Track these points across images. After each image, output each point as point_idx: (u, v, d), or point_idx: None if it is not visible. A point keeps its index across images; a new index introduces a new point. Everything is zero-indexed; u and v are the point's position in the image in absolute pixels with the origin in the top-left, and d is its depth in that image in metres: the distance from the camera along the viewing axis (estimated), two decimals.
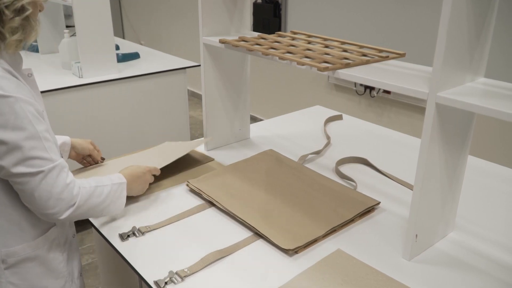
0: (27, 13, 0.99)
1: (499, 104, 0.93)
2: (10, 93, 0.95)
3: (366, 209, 1.33)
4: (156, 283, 1.05)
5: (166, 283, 1.05)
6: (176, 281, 1.05)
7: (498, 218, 1.35)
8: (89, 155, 1.52)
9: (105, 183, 1.18)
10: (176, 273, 1.08)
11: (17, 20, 0.98)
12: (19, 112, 0.95)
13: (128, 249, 1.17)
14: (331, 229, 1.23)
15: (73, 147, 1.45)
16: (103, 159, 1.57)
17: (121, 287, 1.53)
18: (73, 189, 1.06)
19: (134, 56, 3.10)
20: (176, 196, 1.42)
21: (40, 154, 0.99)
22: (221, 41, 1.50)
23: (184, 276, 1.07)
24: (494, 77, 1.14)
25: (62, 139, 1.43)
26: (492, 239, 1.25)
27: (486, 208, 1.41)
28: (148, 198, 1.40)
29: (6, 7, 0.96)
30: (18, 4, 0.97)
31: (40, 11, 1.06)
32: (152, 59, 3.11)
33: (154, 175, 1.40)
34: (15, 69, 1.04)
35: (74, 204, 1.06)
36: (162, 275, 1.07)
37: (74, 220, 1.12)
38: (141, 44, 5.49)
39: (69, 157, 1.47)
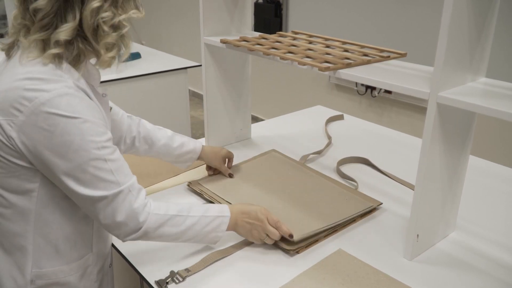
0: (125, 29, 0.96)
1: (500, 104, 0.93)
2: (78, 114, 0.90)
3: (368, 208, 1.33)
4: (157, 283, 1.05)
5: (167, 283, 1.05)
6: (177, 281, 1.05)
7: (498, 218, 1.35)
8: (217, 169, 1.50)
9: (192, 213, 1.08)
10: (178, 273, 1.08)
11: (114, 36, 0.94)
12: (85, 133, 0.91)
13: (129, 249, 1.17)
14: (332, 225, 1.23)
15: (201, 157, 1.45)
16: (231, 175, 1.50)
17: (122, 287, 1.53)
18: (140, 215, 0.98)
19: (135, 56, 3.10)
20: (177, 197, 1.42)
21: (105, 177, 0.93)
22: (222, 41, 1.50)
23: (185, 276, 1.07)
24: (495, 77, 1.14)
25: (192, 145, 1.41)
26: (492, 239, 1.25)
27: (487, 208, 1.40)
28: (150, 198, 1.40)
29: (104, 22, 0.92)
30: (116, 20, 0.93)
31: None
32: (153, 59, 3.12)
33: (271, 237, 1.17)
34: (91, 87, 1.00)
35: (139, 229, 0.99)
36: (163, 275, 1.07)
37: (146, 240, 1.05)
38: (142, 44, 5.49)
39: (203, 161, 1.47)
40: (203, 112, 1.74)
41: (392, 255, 1.17)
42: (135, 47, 3.42)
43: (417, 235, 1.14)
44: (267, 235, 1.14)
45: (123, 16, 0.95)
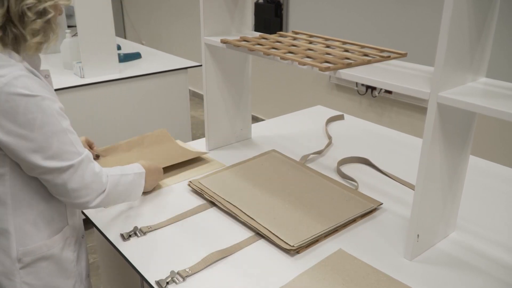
0: (49, 16, 1.00)
1: (500, 104, 0.93)
2: (36, 93, 0.97)
3: (368, 209, 1.33)
4: (157, 283, 1.05)
5: (167, 283, 1.05)
6: (177, 281, 1.06)
7: (498, 218, 1.35)
8: None
9: (128, 171, 1.23)
10: (178, 273, 1.08)
11: (39, 23, 0.99)
12: (46, 109, 0.98)
13: (129, 249, 1.17)
14: (333, 227, 1.23)
15: None
16: (97, 156, 1.58)
17: (123, 287, 1.53)
18: (102, 177, 1.10)
19: (136, 56, 3.10)
20: (178, 196, 1.42)
21: (68, 148, 1.02)
22: (223, 41, 1.50)
23: (186, 276, 1.07)
24: (495, 77, 1.14)
25: None
26: (493, 239, 1.25)
27: (487, 208, 1.40)
28: (149, 197, 1.40)
29: (29, 8, 0.96)
30: (41, 7, 0.98)
31: (59, 14, 1.06)
32: (154, 59, 3.12)
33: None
34: (35, 69, 1.05)
35: (104, 191, 1.11)
36: (163, 275, 1.07)
37: (101, 207, 1.17)
38: (142, 44, 5.49)
39: None
40: (203, 112, 1.74)
41: (392, 255, 1.17)
42: (135, 47, 3.42)
43: (418, 235, 1.14)
44: None
45: (49, 3, 0.99)
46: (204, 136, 1.77)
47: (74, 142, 1.04)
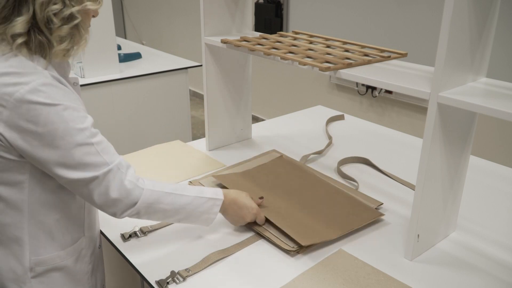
0: (76, 21, 0.96)
1: (500, 104, 0.93)
2: (58, 101, 0.93)
3: (376, 218, 1.31)
4: (158, 283, 1.05)
5: (168, 283, 1.05)
6: (178, 281, 1.06)
7: (499, 218, 1.35)
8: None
9: (187, 193, 1.11)
10: (178, 273, 1.08)
11: (65, 29, 0.95)
12: (68, 119, 0.93)
13: (130, 249, 1.17)
14: (341, 235, 1.22)
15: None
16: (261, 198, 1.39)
17: (123, 287, 1.53)
18: (133, 190, 1.01)
19: (136, 56, 3.10)
20: None
21: (93, 158, 0.96)
22: (223, 41, 1.50)
23: (186, 276, 1.07)
24: (496, 77, 1.14)
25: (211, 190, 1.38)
26: (493, 239, 1.25)
27: (487, 208, 1.40)
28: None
29: (55, 14, 0.93)
30: (67, 12, 0.94)
31: (93, 16, 1.04)
32: (154, 59, 3.12)
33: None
34: (62, 76, 1.01)
35: (134, 204, 1.02)
36: (164, 275, 1.07)
37: (141, 218, 1.08)
38: (142, 44, 5.49)
39: None
40: (203, 112, 1.74)
41: (392, 255, 1.17)
42: (136, 47, 3.42)
43: (418, 235, 1.13)
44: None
45: (76, 8, 0.95)
46: (204, 136, 1.77)
47: (101, 152, 0.98)
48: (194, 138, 3.75)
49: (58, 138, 0.93)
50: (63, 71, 1.04)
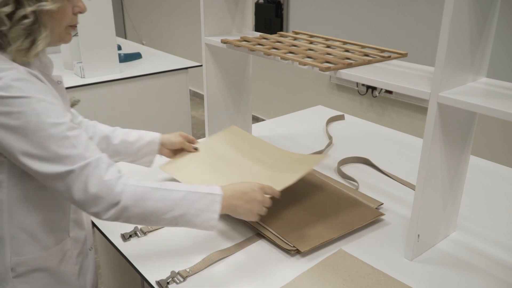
0: (26, 21, 0.94)
1: (501, 104, 0.93)
2: (31, 95, 0.92)
3: (376, 217, 1.31)
4: (158, 283, 1.05)
5: (168, 283, 1.05)
6: (178, 281, 1.06)
7: (499, 218, 1.35)
8: (182, 148, 1.47)
9: (177, 188, 1.02)
10: (178, 273, 1.08)
11: (16, 29, 0.94)
12: (41, 111, 0.92)
13: (130, 249, 1.17)
14: (341, 234, 1.22)
15: (162, 144, 1.41)
16: (195, 149, 1.49)
17: (123, 287, 1.53)
18: (115, 186, 0.95)
19: (136, 56, 3.10)
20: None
21: (69, 152, 0.93)
22: (223, 41, 1.50)
23: (186, 276, 1.07)
24: (496, 77, 1.14)
25: (150, 136, 1.39)
26: (493, 239, 1.25)
27: (488, 208, 1.40)
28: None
29: (7, 15, 0.92)
30: (20, 14, 0.93)
31: (80, 13, 1.02)
32: (154, 59, 3.12)
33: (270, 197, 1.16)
34: (43, 74, 1.01)
35: (117, 202, 0.95)
36: (164, 275, 1.07)
37: (131, 223, 1.02)
38: (142, 44, 5.50)
39: (163, 154, 1.44)
40: (204, 112, 1.74)
41: (392, 255, 1.17)
42: (136, 47, 3.43)
43: (418, 235, 1.14)
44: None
45: (30, 9, 0.94)
46: (204, 136, 1.77)
47: (78, 145, 0.94)
48: (195, 138, 3.74)
49: (30, 131, 0.91)
50: (45, 67, 1.04)
